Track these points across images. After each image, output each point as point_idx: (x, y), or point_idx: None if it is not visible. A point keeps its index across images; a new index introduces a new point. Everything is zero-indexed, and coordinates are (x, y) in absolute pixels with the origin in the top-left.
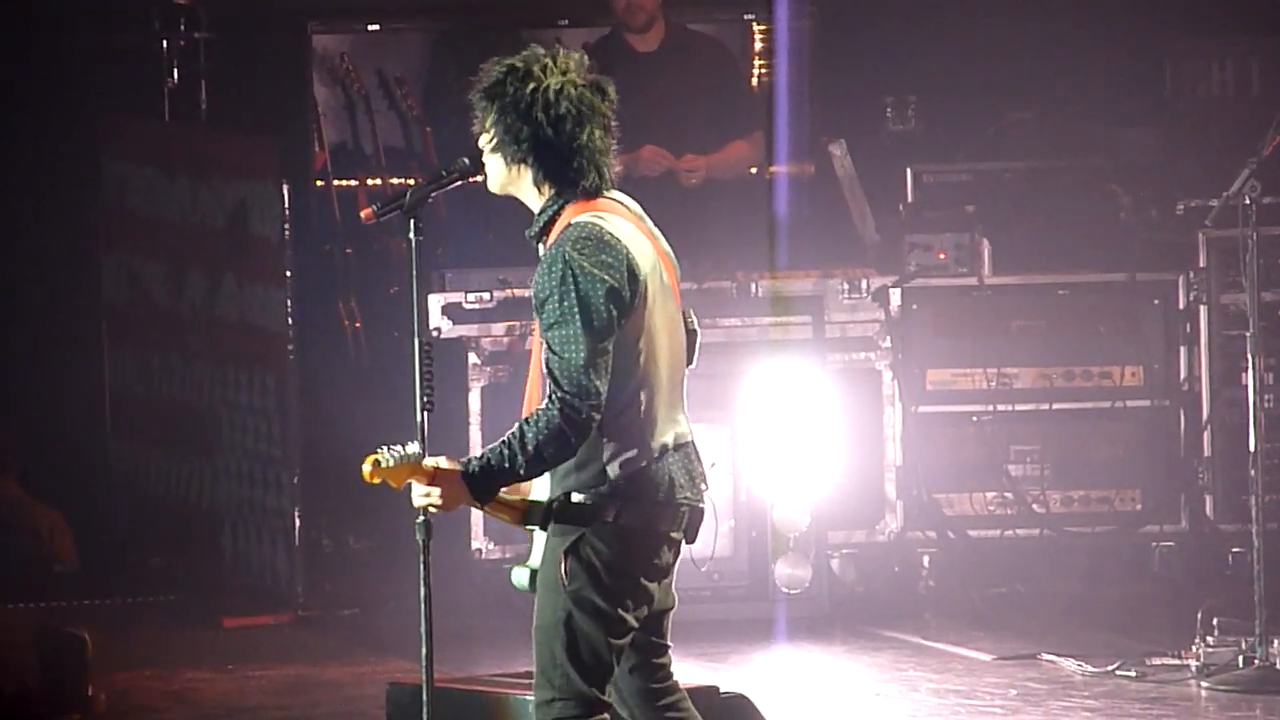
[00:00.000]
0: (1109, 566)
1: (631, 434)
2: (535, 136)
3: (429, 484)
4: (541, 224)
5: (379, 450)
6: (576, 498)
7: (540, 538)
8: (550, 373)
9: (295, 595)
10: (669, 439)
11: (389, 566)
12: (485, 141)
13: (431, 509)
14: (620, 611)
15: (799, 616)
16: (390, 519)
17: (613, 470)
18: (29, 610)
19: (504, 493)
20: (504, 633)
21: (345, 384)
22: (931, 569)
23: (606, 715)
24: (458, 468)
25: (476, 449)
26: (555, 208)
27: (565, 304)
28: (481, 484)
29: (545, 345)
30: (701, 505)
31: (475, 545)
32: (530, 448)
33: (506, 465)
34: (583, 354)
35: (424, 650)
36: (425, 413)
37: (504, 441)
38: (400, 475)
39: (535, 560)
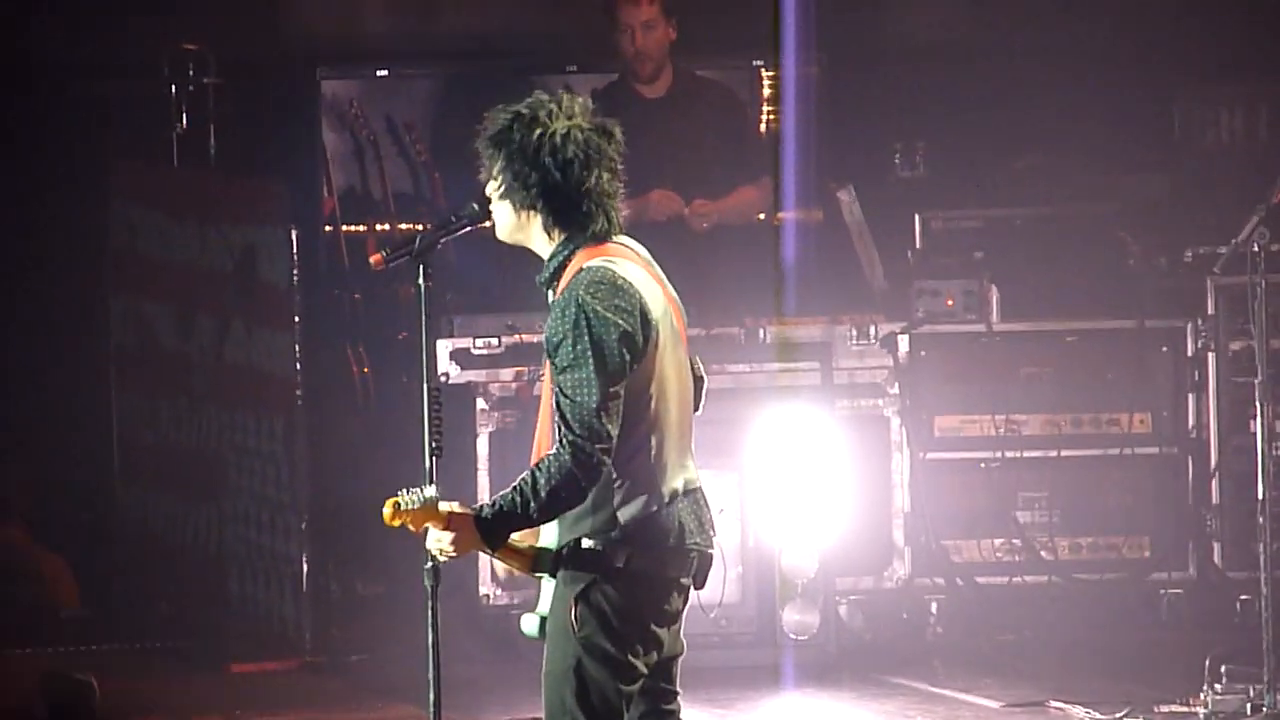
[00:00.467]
0: (1117, 613)
1: (642, 479)
2: (543, 182)
3: (443, 528)
4: (552, 269)
5: (400, 493)
6: (587, 543)
7: (549, 585)
8: (562, 416)
9: (303, 641)
10: (679, 484)
11: (397, 612)
12: (493, 188)
13: (444, 554)
14: (630, 658)
15: (807, 663)
16: (398, 564)
17: (624, 515)
18: (35, 656)
19: (514, 539)
20: (511, 679)
21: (353, 429)
22: (940, 615)
23: None
24: (470, 513)
25: (485, 494)
26: (566, 253)
27: (579, 347)
28: (493, 529)
29: (557, 389)
30: (711, 551)
31: (484, 591)
32: (542, 492)
33: (519, 510)
34: (595, 397)
35: (432, 696)
36: (434, 458)
37: (515, 487)
38: (419, 518)
39: (544, 607)
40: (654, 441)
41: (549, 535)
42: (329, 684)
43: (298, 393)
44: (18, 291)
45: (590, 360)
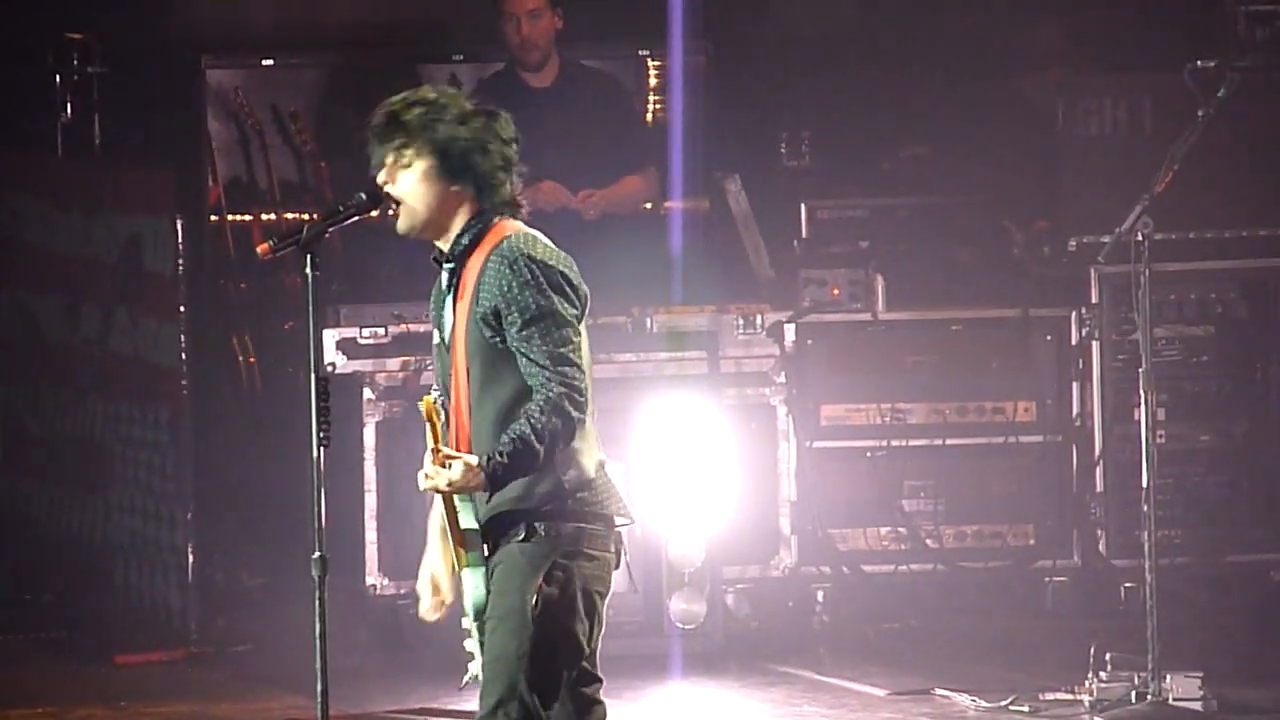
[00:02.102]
0: (1002, 601)
1: (582, 450)
2: (478, 152)
3: (443, 462)
4: (469, 239)
5: (434, 394)
6: (541, 525)
7: (473, 575)
8: (540, 363)
9: (189, 631)
10: (601, 457)
11: (283, 602)
12: (413, 169)
13: (433, 485)
14: (581, 638)
15: (694, 652)
16: (284, 554)
17: (569, 483)
18: None
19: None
20: (398, 669)
21: (239, 419)
22: (826, 604)
23: None
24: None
25: (371, 484)
26: (482, 224)
27: (542, 298)
28: (498, 474)
29: (524, 340)
30: (630, 526)
31: (370, 581)
32: (545, 434)
33: (524, 454)
34: (569, 342)
35: (319, 687)
36: (321, 448)
37: (515, 435)
38: (435, 435)
39: (475, 595)
40: (590, 411)
41: (471, 519)
42: (215, 674)
43: (184, 383)
44: None
45: (556, 307)
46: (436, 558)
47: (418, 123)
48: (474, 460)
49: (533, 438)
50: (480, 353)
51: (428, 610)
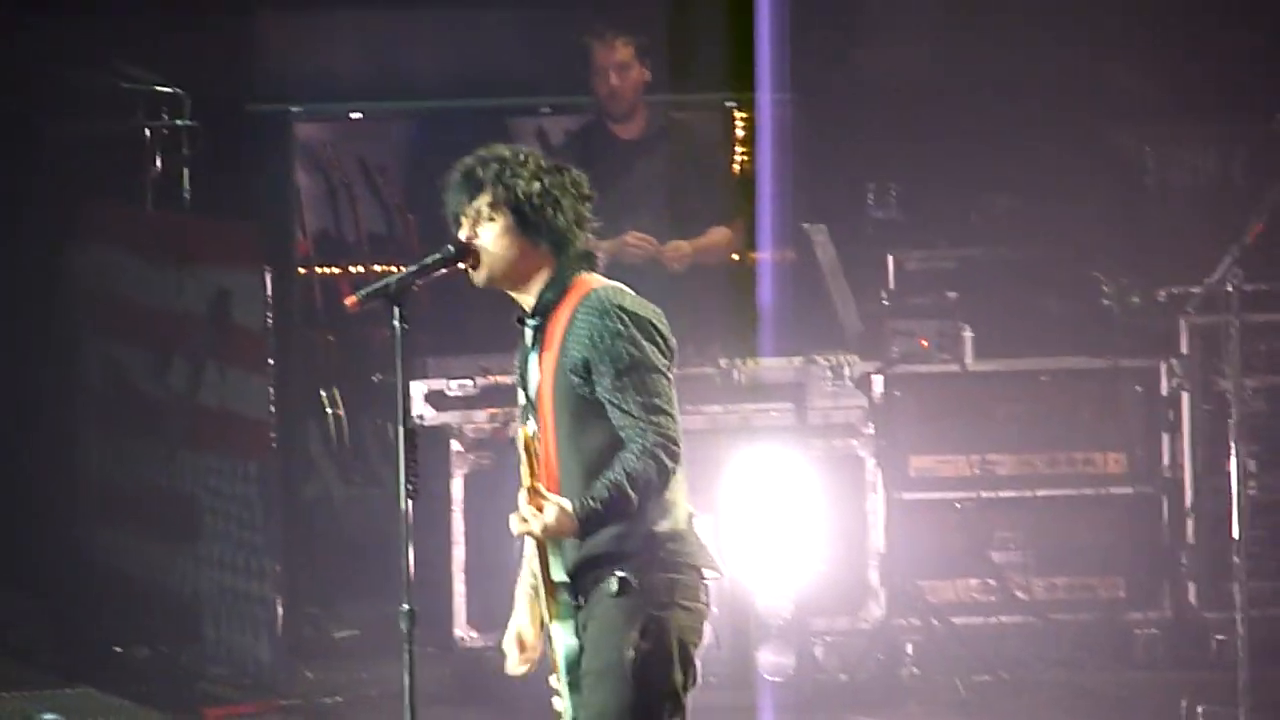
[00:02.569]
0: (1092, 653)
1: (673, 501)
2: (552, 207)
3: (537, 503)
4: (553, 294)
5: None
6: (634, 577)
7: (563, 628)
8: (632, 414)
9: (277, 684)
10: (690, 509)
11: (371, 654)
12: (492, 225)
13: (526, 530)
14: (679, 689)
15: (783, 704)
16: (372, 607)
17: (661, 534)
18: (8, 699)
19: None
20: None
21: (327, 471)
22: (915, 656)
23: None
24: (570, 506)
25: (459, 536)
26: (565, 279)
27: (635, 349)
28: (590, 519)
29: (618, 391)
30: (719, 578)
31: (458, 634)
32: (640, 480)
33: (618, 500)
34: (662, 393)
35: None
36: (409, 500)
37: (610, 481)
38: (533, 470)
39: (566, 649)
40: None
41: (562, 571)
42: None
43: (272, 435)
44: None
45: (648, 357)
46: (524, 616)
47: (494, 179)
48: (568, 505)
49: (627, 485)
50: (569, 404)
51: (513, 666)
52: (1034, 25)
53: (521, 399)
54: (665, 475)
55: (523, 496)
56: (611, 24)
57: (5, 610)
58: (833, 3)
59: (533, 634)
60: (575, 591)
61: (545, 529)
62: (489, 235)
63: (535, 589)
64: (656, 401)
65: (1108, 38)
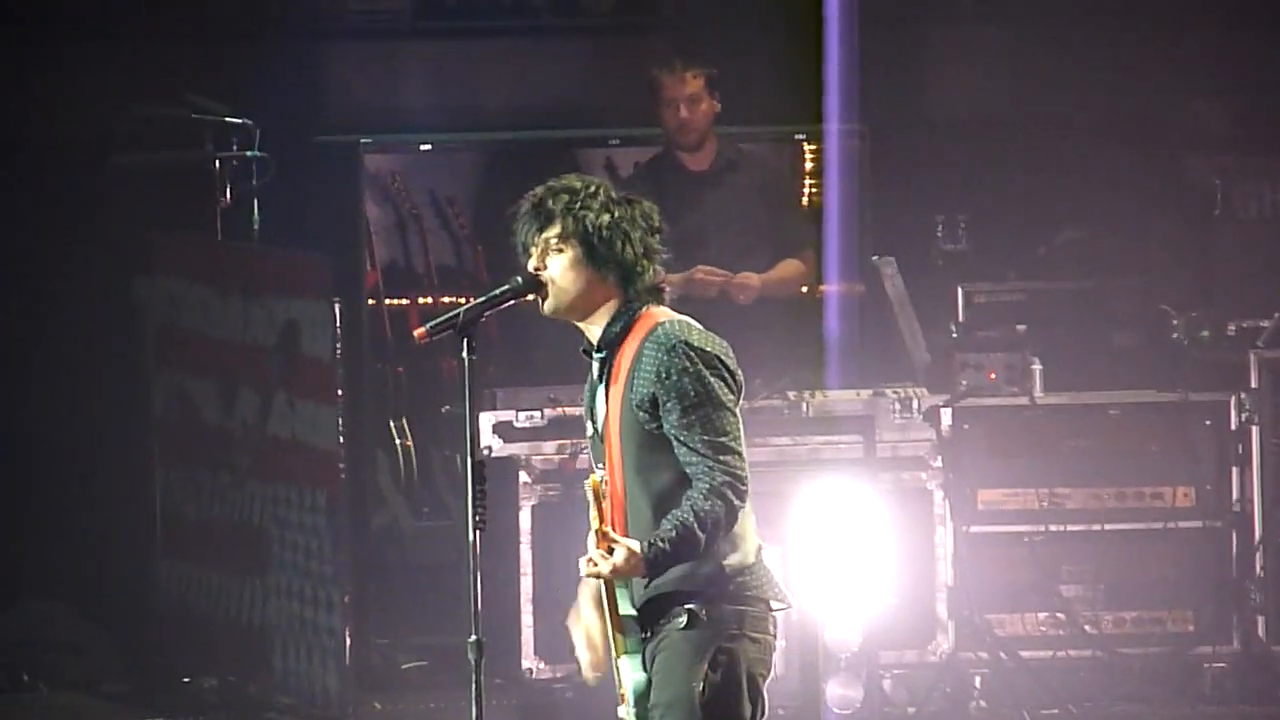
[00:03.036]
0: (1161, 688)
1: (742, 535)
2: (621, 240)
3: (610, 549)
4: (620, 327)
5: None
6: (702, 610)
7: (630, 662)
8: (698, 452)
9: (346, 715)
10: (759, 542)
11: (439, 685)
12: (561, 257)
13: (595, 572)
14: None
15: None
16: (440, 638)
17: (730, 567)
18: None
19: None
20: None
21: (396, 503)
22: (983, 689)
23: None
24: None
25: (527, 568)
26: (632, 313)
27: (701, 385)
28: (658, 560)
29: (684, 429)
30: (787, 610)
31: (526, 665)
32: (708, 522)
33: (685, 542)
34: (729, 430)
35: None
36: (478, 531)
37: (678, 521)
38: (601, 516)
39: (634, 680)
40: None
41: (629, 605)
42: None
43: (341, 466)
44: (60, 365)
45: (716, 394)
46: (591, 618)
47: (564, 211)
48: (636, 546)
49: (695, 525)
50: (636, 438)
51: (588, 668)
52: (1102, 59)
53: (589, 430)
54: (732, 514)
55: (592, 539)
56: (680, 56)
57: (77, 638)
58: (902, 35)
59: (601, 637)
60: (643, 624)
61: (614, 570)
62: (557, 267)
63: (598, 602)
64: (723, 440)
65: (1177, 71)
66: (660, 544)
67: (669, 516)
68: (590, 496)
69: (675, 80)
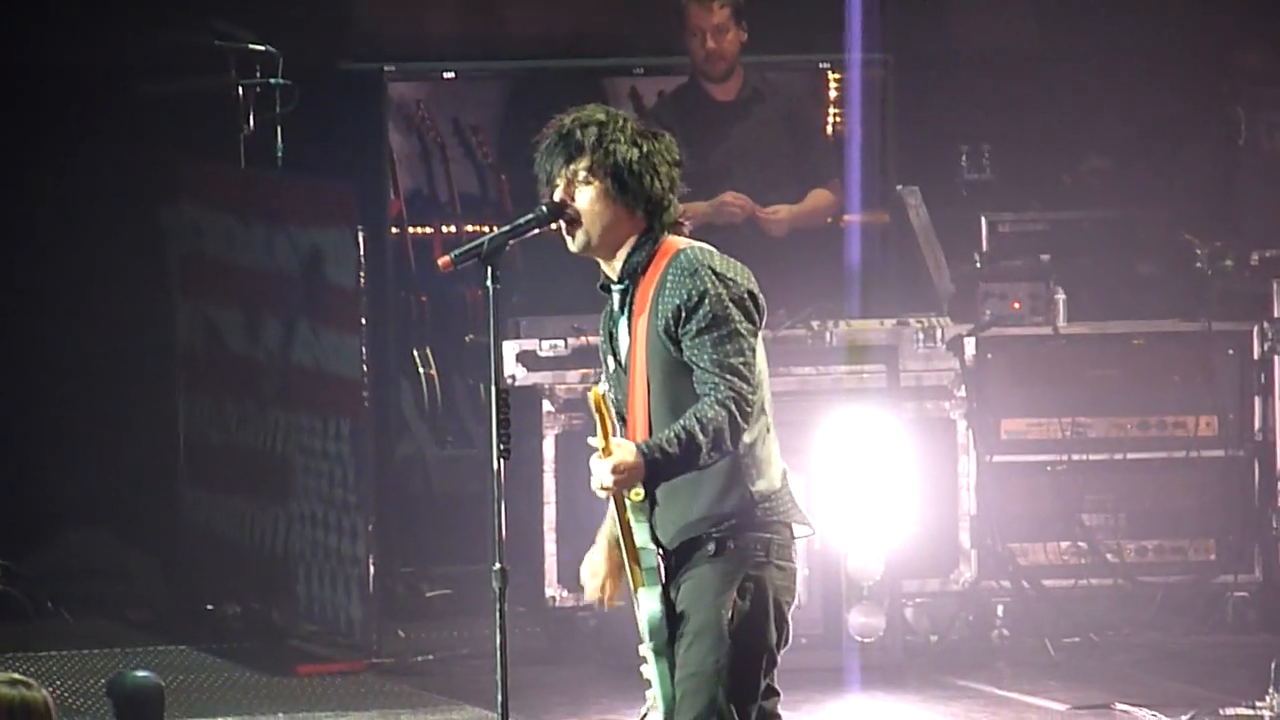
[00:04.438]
0: (1183, 616)
1: (765, 458)
2: (649, 174)
3: (614, 458)
4: (643, 256)
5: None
6: (730, 538)
7: (651, 592)
8: (710, 371)
9: (370, 643)
10: (784, 466)
11: (464, 614)
12: (589, 189)
13: (602, 481)
14: (776, 649)
15: (872, 665)
16: (464, 566)
17: (758, 494)
18: (104, 656)
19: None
20: (578, 681)
21: (420, 431)
22: (1005, 618)
23: None
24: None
25: (550, 496)
26: (653, 241)
27: (719, 306)
28: (659, 467)
29: (696, 348)
30: (811, 535)
31: (550, 593)
32: (711, 432)
33: (687, 451)
34: (743, 354)
35: (499, 698)
36: (501, 460)
37: (682, 429)
38: (605, 428)
39: (652, 607)
40: (769, 423)
41: (647, 537)
42: (395, 685)
43: (365, 394)
44: (85, 293)
45: (732, 317)
46: (599, 553)
47: (595, 144)
48: (633, 447)
49: (697, 430)
50: (662, 367)
51: (591, 594)
52: None
53: (610, 365)
54: (736, 428)
55: (595, 459)
56: None
57: (102, 565)
58: None
59: (604, 567)
60: (670, 554)
61: (614, 471)
62: (585, 198)
63: (614, 539)
64: (733, 362)
65: (1200, 3)
66: (662, 446)
67: (672, 425)
68: (593, 410)
69: (703, 10)
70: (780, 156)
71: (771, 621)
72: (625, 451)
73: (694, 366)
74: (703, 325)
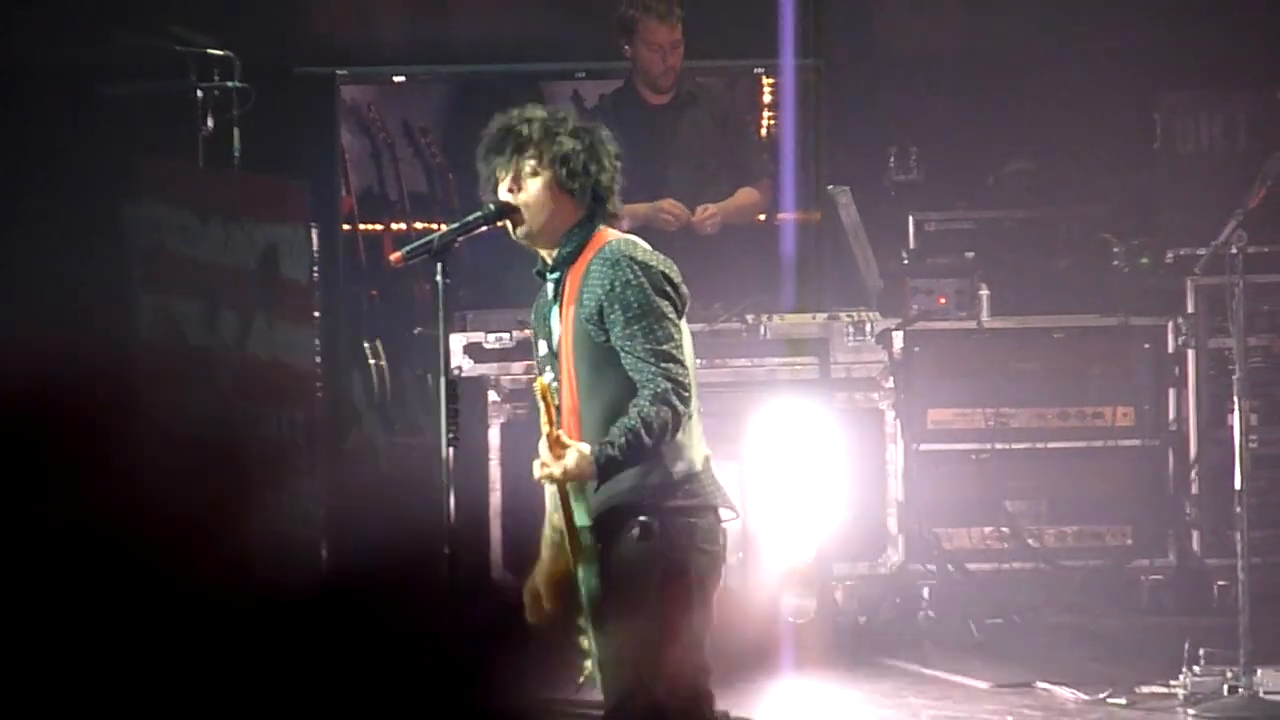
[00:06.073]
0: (1101, 599)
1: (686, 442)
2: (595, 163)
3: (560, 453)
4: (574, 245)
5: (548, 378)
6: (654, 521)
7: (585, 571)
8: (644, 360)
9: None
10: (707, 452)
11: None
12: (536, 181)
13: (552, 475)
14: (698, 629)
15: (804, 645)
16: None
17: (678, 475)
18: None
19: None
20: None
21: (370, 420)
22: (931, 600)
23: None
24: (587, 449)
25: (496, 483)
26: (586, 231)
27: (644, 297)
28: (608, 464)
29: (628, 339)
30: (735, 519)
31: (495, 576)
32: (654, 425)
33: (632, 445)
34: (672, 338)
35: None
36: (450, 448)
37: (625, 427)
38: (549, 416)
39: (589, 584)
40: (693, 409)
41: (585, 516)
42: None
43: (318, 385)
44: (45, 289)
45: (658, 305)
46: (543, 571)
47: (540, 136)
48: (586, 449)
49: (642, 429)
50: (588, 354)
51: (531, 617)
52: None
53: (542, 350)
54: (677, 419)
55: (543, 444)
56: (664, 1)
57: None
58: None
59: (547, 587)
60: (599, 535)
61: (566, 473)
62: (532, 190)
63: (556, 540)
64: (665, 349)
65: (1119, 8)
66: (610, 449)
67: (618, 423)
68: (539, 398)
69: (665, 27)
70: (713, 157)
71: (695, 603)
72: (578, 456)
73: (627, 355)
74: (630, 315)
